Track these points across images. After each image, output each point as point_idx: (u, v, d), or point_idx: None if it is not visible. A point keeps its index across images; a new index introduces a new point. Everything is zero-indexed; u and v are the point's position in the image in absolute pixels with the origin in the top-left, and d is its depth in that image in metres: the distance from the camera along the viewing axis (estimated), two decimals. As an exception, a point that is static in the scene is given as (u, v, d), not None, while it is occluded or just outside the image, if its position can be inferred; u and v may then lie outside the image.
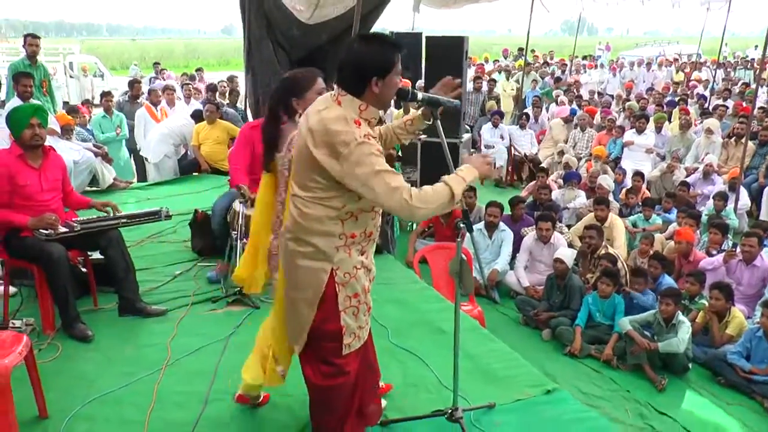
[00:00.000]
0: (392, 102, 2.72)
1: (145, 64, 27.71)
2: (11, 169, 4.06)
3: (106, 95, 9.40)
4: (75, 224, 4.21)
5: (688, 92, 15.90)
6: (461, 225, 2.82)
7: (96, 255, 4.65)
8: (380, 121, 3.07)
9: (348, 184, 2.39)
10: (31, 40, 7.33)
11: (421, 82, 10.42)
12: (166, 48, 45.70)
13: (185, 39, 79.00)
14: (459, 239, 2.88)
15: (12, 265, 4.32)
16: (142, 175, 9.48)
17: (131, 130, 9.36)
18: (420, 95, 2.62)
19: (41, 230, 4.04)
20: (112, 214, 4.43)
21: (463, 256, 2.93)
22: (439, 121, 2.72)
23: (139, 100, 10.42)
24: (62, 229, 4.12)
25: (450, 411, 3.05)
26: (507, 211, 7.44)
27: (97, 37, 65.38)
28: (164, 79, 14.52)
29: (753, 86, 14.31)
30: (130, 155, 9.57)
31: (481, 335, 4.25)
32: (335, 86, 2.50)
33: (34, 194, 4.15)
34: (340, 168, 2.37)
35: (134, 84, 10.85)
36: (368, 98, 2.45)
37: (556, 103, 14.01)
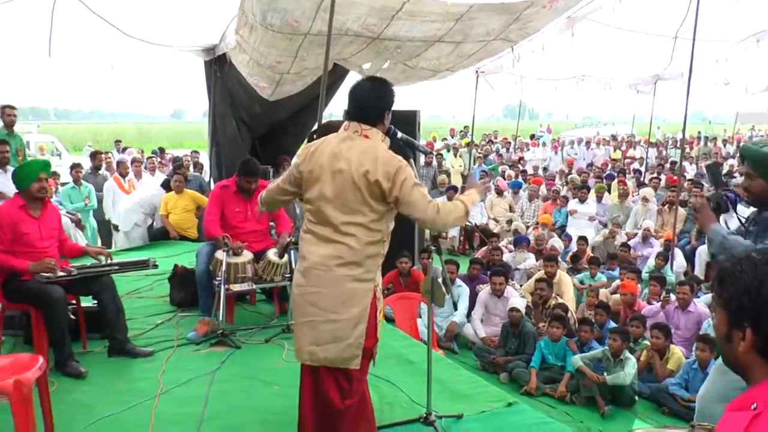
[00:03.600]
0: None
1: (99, 145, 27.89)
2: (14, 218, 4.42)
3: (75, 167, 9.73)
4: (72, 269, 4.54)
5: (625, 168, 17.07)
6: (432, 248, 3.30)
7: (85, 303, 4.97)
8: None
9: (394, 198, 2.88)
10: (9, 110, 7.67)
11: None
12: (118, 131, 46.06)
13: (136, 123, 79.43)
14: (430, 260, 3.36)
15: (7, 308, 4.59)
16: (108, 244, 9.72)
17: (99, 200, 9.67)
18: (399, 134, 3.15)
19: (41, 274, 4.36)
20: (104, 261, 4.77)
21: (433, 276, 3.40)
22: (413, 160, 3.23)
23: (100, 171, 10.72)
24: (60, 273, 4.45)
25: (425, 415, 3.45)
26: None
27: (45, 121, 65.46)
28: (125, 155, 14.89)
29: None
30: (97, 225, 9.84)
31: (446, 364, 4.69)
32: (351, 124, 3.00)
33: (34, 242, 4.49)
34: (390, 186, 2.87)
35: (96, 155, 11.17)
36: (381, 129, 3.00)
37: (503, 178, 14.87)
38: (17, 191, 4.58)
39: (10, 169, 7.08)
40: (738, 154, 3.92)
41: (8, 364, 3.29)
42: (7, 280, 4.45)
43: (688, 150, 14.10)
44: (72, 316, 4.90)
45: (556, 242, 9.99)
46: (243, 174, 5.46)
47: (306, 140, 4.63)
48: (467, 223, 11.95)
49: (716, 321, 1.54)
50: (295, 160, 3.25)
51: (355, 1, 6.13)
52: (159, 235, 9.13)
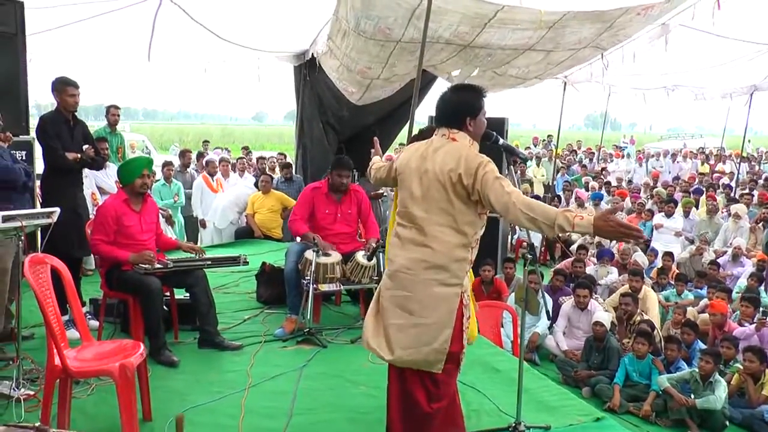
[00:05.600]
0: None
1: (185, 145, 28.89)
2: (118, 211, 4.65)
3: (167, 165, 10.09)
4: (168, 262, 4.73)
5: (714, 182, 16.40)
6: (528, 255, 3.28)
7: (177, 296, 5.18)
8: None
9: (477, 192, 2.86)
10: (114, 110, 8.07)
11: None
12: (203, 131, 47.66)
13: (219, 124, 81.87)
14: (525, 267, 3.34)
15: (109, 296, 4.82)
16: (194, 240, 10.02)
17: (187, 198, 9.99)
18: (501, 141, 3.15)
19: (141, 265, 4.57)
20: (197, 256, 4.95)
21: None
22: (512, 167, 3.24)
23: (188, 169, 11.05)
24: (158, 265, 4.64)
25: (514, 425, 3.42)
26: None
27: (134, 120, 68.67)
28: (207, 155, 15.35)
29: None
30: (184, 221, 10.18)
31: (533, 374, 4.62)
32: (439, 129, 3.06)
33: (135, 234, 4.71)
34: (472, 181, 2.87)
35: (185, 153, 11.53)
36: (467, 132, 3.01)
37: (586, 189, 14.57)
38: (121, 186, 4.81)
39: (110, 165, 7.44)
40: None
41: (113, 349, 3.47)
42: (110, 270, 4.69)
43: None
44: (165, 308, 5.10)
45: (640, 257, 9.73)
46: (336, 167, 5.57)
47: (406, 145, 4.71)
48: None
49: None
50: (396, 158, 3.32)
51: (448, 9, 6.16)
52: (243, 234, 9.37)
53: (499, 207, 2.84)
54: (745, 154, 20.39)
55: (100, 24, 8.27)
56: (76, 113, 5.27)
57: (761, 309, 7.24)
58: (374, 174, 3.56)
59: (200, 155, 13.45)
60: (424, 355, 3.01)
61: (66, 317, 4.47)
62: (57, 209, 4.07)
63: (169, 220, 8.75)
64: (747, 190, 14.29)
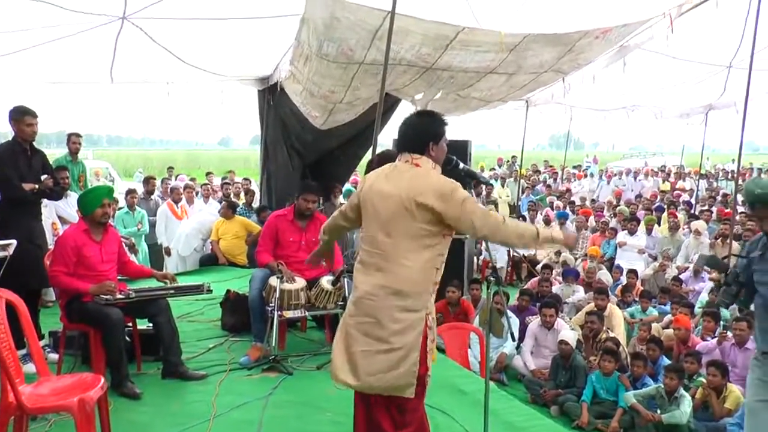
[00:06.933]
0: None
1: (149, 171, 28.56)
2: (78, 242, 4.56)
3: (130, 192, 9.96)
4: (130, 292, 4.65)
5: (675, 200, 16.73)
6: (491, 278, 3.30)
7: (140, 326, 5.08)
8: None
9: (453, 218, 2.89)
10: (75, 138, 7.97)
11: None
12: (168, 157, 47.17)
13: (185, 149, 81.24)
14: (489, 290, 3.35)
15: (70, 329, 4.72)
16: (159, 269, 9.86)
17: (151, 225, 9.85)
18: (461, 165, 3.17)
19: (101, 296, 4.48)
20: (169, 284, 4.88)
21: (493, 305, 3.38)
22: (473, 190, 3.26)
23: (152, 197, 10.88)
24: (119, 296, 4.56)
25: (481, 448, 3.41)
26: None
27: (97, 147, 67.93)
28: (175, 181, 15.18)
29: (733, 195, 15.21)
30: (148, 249, 10.03)
31: (500, 395, 4.64)
32: (402, 155, 3.06)
33: (95, 265, 4.63)
34: (445, 206, 2.88)
35: (149, 180, 11.35)
36: (429, 157, 3.03)
37: (551, 208, 14.74)
38: (82, 215, 4.73)
39: (71, 194, 7.32)
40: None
41: (72, 383, 3.39)
42: (70, 302, 4.59)
43: (741, 182, 13.79)
44: (127, 338, 5.00)
45: (605, 275, 9.86)
46: (304, 191, 5.59)
47: (366, 168, 4.71)
48: (515, 254, 11.88)
49: None
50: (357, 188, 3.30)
51: (410, 30, 6.21)
52: (208, 261, 9.27)
53: (487, 230, 2.90)
54: (703, 171, 20.88)
55: (61, 49, 8.15)
56: (34, 143, 5.19)
57: (722, 323, 7.38)
58: (328, 221, 3.56)
59: (164, 182, 13.29)
60: (393, 379, 2.98)
61: (23, 351, 4.36)
62: (13, 241, 4.00)
63: (133, 249, 8.62)
64: (706, 207, 14.63)
